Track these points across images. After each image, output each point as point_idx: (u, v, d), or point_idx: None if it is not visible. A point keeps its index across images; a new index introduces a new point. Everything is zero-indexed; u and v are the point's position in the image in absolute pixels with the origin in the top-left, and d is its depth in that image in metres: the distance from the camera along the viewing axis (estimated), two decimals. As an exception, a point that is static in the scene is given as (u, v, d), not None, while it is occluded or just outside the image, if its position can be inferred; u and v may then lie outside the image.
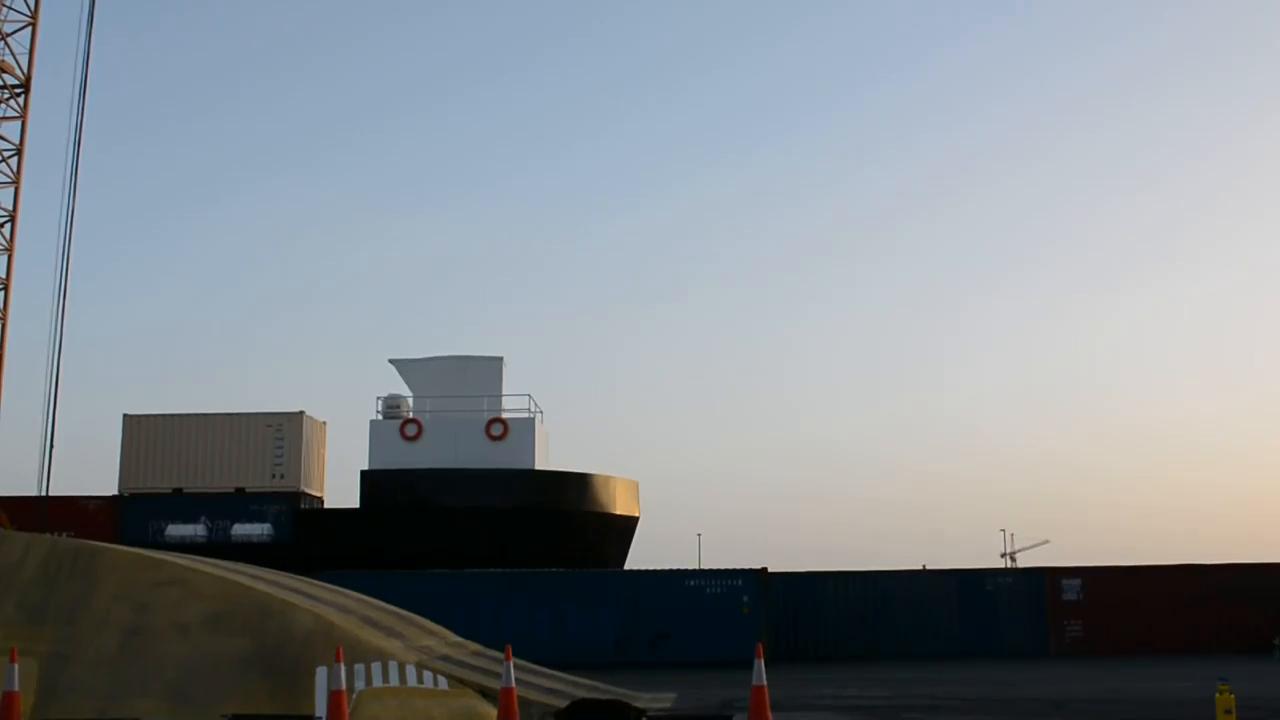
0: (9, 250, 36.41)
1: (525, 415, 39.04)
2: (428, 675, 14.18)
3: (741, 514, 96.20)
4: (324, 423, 39.94)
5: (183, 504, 37.16)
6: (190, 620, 14.41)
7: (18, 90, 36.42)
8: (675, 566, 33.26)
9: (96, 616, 14.51)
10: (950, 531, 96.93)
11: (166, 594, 14.67)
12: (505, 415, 38.77)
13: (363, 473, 37.85)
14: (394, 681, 14.00)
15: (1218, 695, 13.12)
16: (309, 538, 36.55)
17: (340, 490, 43.12)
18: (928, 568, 35.55)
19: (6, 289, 36.44)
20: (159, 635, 14.32)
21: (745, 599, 31.60)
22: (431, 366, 39.40)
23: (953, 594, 33.33)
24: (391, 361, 39.76)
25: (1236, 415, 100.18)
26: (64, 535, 29.52)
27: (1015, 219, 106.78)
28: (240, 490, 37.29)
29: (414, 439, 38.13)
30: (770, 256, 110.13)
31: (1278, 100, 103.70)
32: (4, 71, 36.01)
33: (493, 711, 13.46)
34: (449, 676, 14.31)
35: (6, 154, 36.49)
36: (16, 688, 12.67)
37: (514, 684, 12.44)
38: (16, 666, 12.80)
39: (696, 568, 34.11)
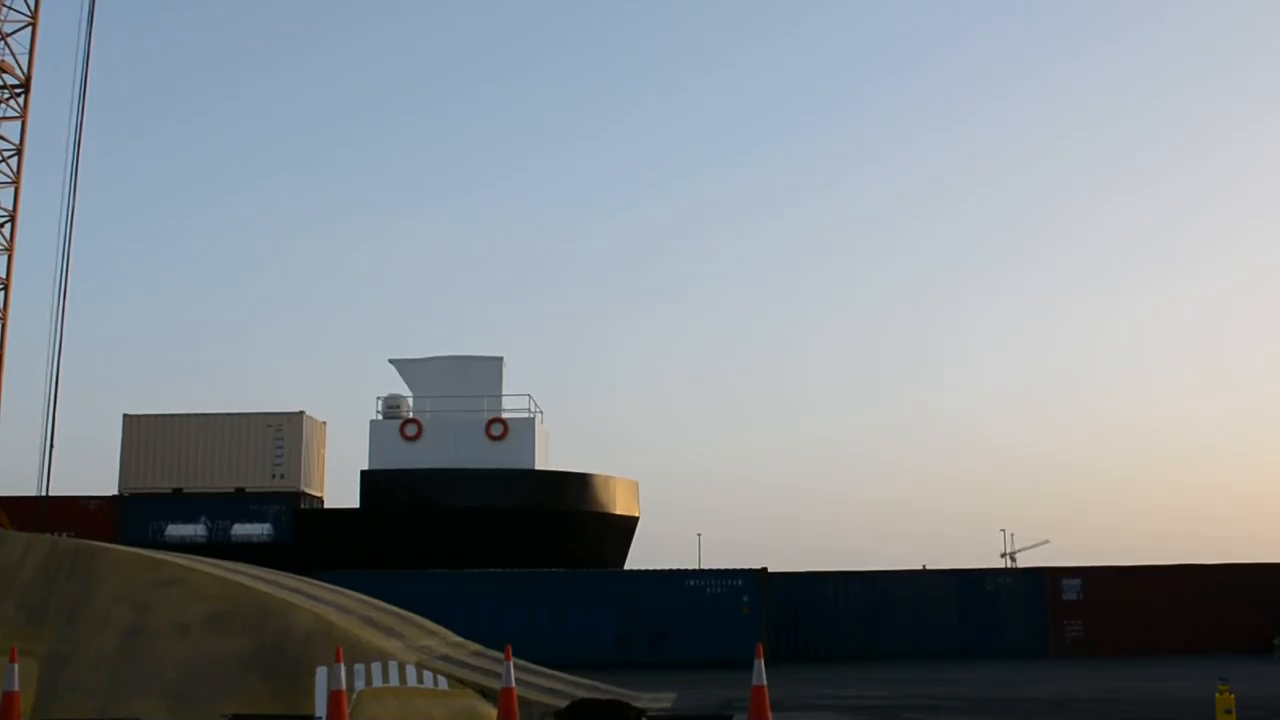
0: (9, 250, 36.41)
1: (525, 415, 39.06)
2: (428, 675, 14.18)
3: (741, 514, 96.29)
4: (324, 423, 39.98)
5: (183, 504, 37.16)
6: (190, 620, 14.41)
7: (18, 90, 36.42)
8: (675, 566, 33.29)
9: (96, 616, 14.51)
10: (950, 531, 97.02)
11: (166, 594, 14.67)
12: (505, 415, 38.78)
13: (363, 473, 37.86)
14: (394, 681, 14.00)
15: (1218, 695, 13.12)
16: (309, 538, 36.55)
17: (340, 490, 43.19)
18: (928, 568, 35.58)
19: (6, 289, 36.44)
20: (159, 635, 14.32)
21: (745, 599, 31.60)
22: (431, 366, 39.40)
23: (953, 594, 33.33)
24: (391, 361, 39.79)
25: (1236, 415, 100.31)
26: (64, 535, 29.52)
27: (1015, 219, 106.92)
28: (240, 490, 37.29)
29: (414, 439, 38.13)
30: (770, 256, 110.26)
31: (1278, 100, 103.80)
32: (4, 71, 36.01)
33: (493, 711, 13.46)
34: (449, 676, 14.31)
35: (6, 154, 36.51)
36: (16, 688, 12.67)
37: (514, 684, 12.44)
38: (16, 666, 12.80)
39: (696, 568, 34.12)
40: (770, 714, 12.27)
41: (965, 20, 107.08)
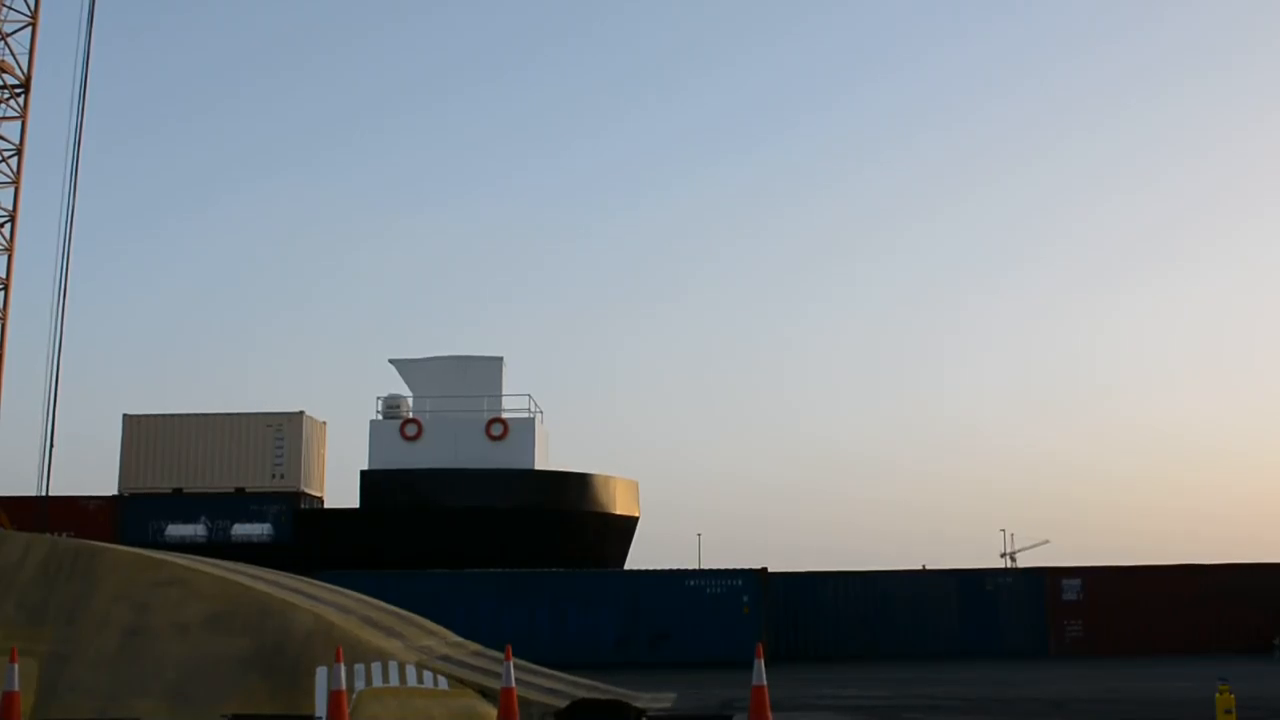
0: (9, 250, 36.41)
1: (525, 415, 39.07)
2: (428, 675, 14.18)
3: (741, 514, 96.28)
4: (324, 423, 39.98)
5: (183, 504, 37.16)
6: (190, 620, 14.41)
7: (18, 90, 36.41)
8: (675, 566, 33.29)
9: (96, 616, 14.51)
10: (950, 531, 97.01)
11: (166, 594, 14.67)
12: (505, 415, 38.78)
13: (363, 473, 37.86)
14: (394, 681, 14.00)
15: (1218, 695, 13.12)
16: (309, 538, 36.55)
17: (340, 490, 43.19)
18: (928, 568, 35.58)
19: (6, 289, 36.44)
20: (159, 635, 14.32)
21: (745, 599, 31.60)
22: (431, 366, 39.40)
23: (953, 594, 33.33)
24: (391, 361, 39.79)
25: (1236, 415, 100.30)
26: (64, 535, 29.52)
27: (1015, 219, 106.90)
28: (240, 490, 37.29)
29: (414, 439, 38.14)
30: (770, 256, 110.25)
31: (1278, 100, 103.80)
32: (4, 71, 36.00)
33: (493, 711, 13.46)
34: (449, 676, 14.31)
35: (6, 154, 36.50)
36: (16, 688, 12.67)
37: (514, 684, 12.44)
38: (16, 666, 12.80)
39: (696, 568, 34.12)
40: (770, 714, 12.27)
41: (965, 20, 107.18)
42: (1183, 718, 16.03)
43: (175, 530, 36.39)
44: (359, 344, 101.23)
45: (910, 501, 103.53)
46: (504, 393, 39.44)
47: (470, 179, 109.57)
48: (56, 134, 68.77)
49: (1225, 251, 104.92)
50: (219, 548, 33.69)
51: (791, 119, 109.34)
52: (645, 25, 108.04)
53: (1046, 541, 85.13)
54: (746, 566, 32.14)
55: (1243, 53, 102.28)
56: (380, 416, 38.74)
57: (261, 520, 36.88)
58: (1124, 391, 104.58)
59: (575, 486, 38.17)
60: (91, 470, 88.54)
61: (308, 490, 38.12)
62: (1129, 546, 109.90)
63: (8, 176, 36.55)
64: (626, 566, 39.38)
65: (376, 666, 14.05)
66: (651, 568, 33.70)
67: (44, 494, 33.96)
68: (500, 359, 39.79)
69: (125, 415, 38.05)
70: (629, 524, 40.04)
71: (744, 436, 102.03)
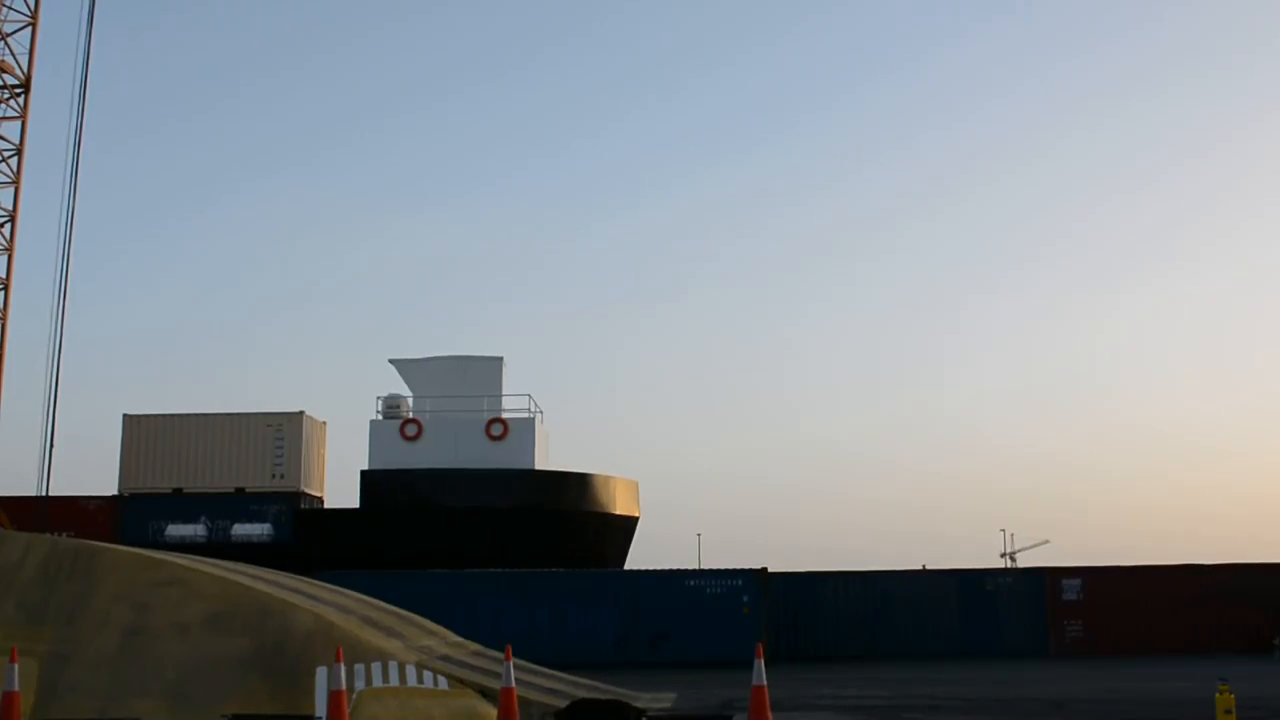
0: (9, 250, 36.40)
1: (525, 415, 39.07)
2: (428, 675, 14.18)
3: (741, 514, 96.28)
4: (324, 423, 39.99)
5: (183, 504, 37.16)
6: (190, 620, 14.41)
7: (18, 90, 36.40)
8: (675, 566, 33.28)
9: (96, 616, 14.51)
10: (950, 531, 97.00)
11: (166, 594, 14.67)
12: (505, 415, 38.78)
13: (363, 473, 37.86)
14: (394, 681, 14.00)
15: (1218, 695, 13.12)
16: (309, 538, 36.55)
17: (340, 490, 43.16)
18: (928, 568, 35.56)
19: (6, 289, 36.43)
20: (159, 635, 14.32)
21: (745, 599, 31.59)
22: (431, 366, 39.40)
23: (953, 594, 33.33)
24: (391, 361, 39.79)
25: (1236, 415, 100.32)
26: (64, 535, 29.52)
27: (1015, 219, 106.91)
28: (240, 490, 37.29)
29: (414, 439, 38.14)
30: (770, 256, 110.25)
31: (1278, 100, 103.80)
32: (4, 71, 35.99)
33: (493, 711, 13.46)
34: (449, 676, 14.31)
35: (6, 154, 36.49)
36: (16, 688, 12.67)
37: (514, 684, 12.44)
38: (16, 666, 12.80)
39: (696, 568, 34.12)
40: (770, 714, 12.27)
41: (965, 20, 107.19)
42: (1183, 718, 16.03)
43: (175, 530, 36.39)
44: (359, 344, 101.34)
45: (910, 501, 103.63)
46: (504, 393, 39.46)
47: (470, 179, 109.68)
48: (56, 134, 68.84)
49: (1225, 251, 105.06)
50: (219, 548, 33.69)
51: (791, 119, 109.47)
52: (645, 25, 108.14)
53: (1046, 541, 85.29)
54: (746, 566, 32.14)
55: (1243, 53, 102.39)
56: (380, 416, 38.74)
57: (261, 520, 36.88)
58: (1124, 391, 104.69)
59: (575, 486, 38.17)
60: (91, 470, 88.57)
61: (308, 490, 38.12)
62: (1129, 546, 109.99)
63: (8, 176, 36.54)
64: (626, 566, 39.39)
65: (376, 666, 14.05)
66: (651, 568, 33.72)
67: (44, 494, 33.94)
68: (500, 359, 39.80)
69: (125, 415, 38.09)
70: (629, 524, 40.04)
71: (744, 436, 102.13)
